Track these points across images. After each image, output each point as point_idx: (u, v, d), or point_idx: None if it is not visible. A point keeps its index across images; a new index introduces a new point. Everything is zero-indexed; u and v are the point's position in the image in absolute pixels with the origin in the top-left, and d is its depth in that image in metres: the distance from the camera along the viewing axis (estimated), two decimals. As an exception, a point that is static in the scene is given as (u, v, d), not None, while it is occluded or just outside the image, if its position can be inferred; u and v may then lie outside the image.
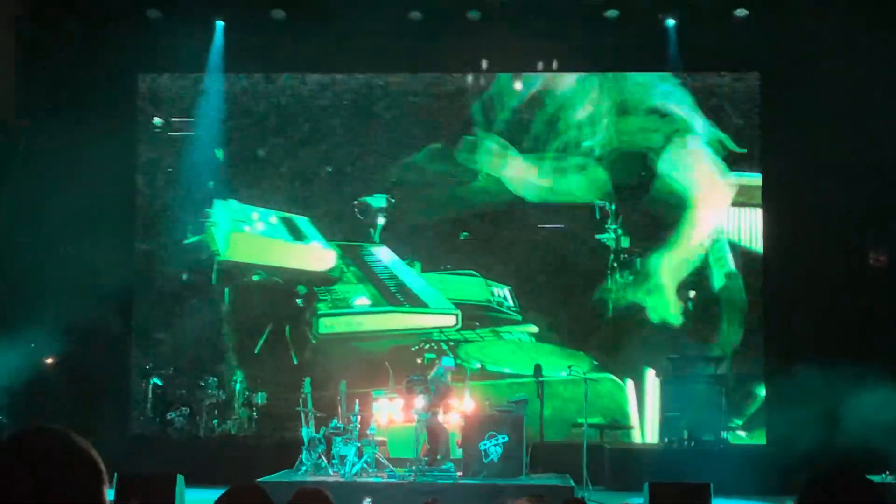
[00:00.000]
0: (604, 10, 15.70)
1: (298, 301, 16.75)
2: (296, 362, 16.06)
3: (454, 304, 16.55)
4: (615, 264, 16.61)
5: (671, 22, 15.96)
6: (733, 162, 16.52)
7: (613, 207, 16.67)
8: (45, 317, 15.05)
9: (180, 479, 11.59)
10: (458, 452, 13.65)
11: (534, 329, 16.55)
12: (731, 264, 16.43)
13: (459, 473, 13.28)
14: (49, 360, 16.03)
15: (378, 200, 16.86)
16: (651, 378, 16.19)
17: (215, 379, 15.86)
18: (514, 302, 16.68)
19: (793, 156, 15.69)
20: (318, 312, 16.75)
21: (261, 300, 16.79)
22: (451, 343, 16.31)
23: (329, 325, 16.71)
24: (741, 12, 15.63)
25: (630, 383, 16.29)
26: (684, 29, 15.93)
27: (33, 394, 14.62)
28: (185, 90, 17.16)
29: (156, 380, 15.93)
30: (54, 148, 15.54)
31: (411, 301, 16.80)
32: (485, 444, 13.26)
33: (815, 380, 13.83)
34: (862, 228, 15.76)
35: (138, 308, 16.88)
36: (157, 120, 17.04)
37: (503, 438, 13.26)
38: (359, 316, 16.79)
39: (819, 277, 15.37)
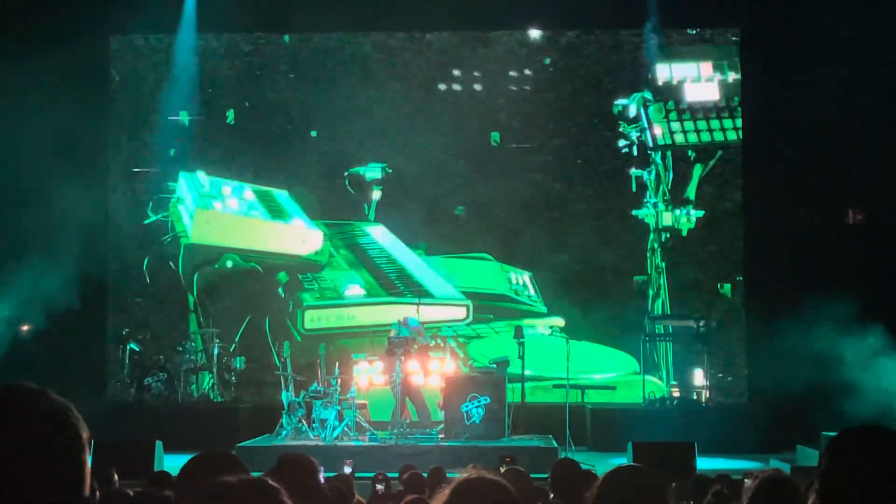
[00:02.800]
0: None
1: (280, 291, 14.95)
2: (278, 363, 14.07)
3: (464, 293, 14.53)
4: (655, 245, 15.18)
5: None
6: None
7: (652, 176, 15.18)
8: (17, 283, 14.83)
9: (159, 445, 11.48)
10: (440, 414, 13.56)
11: (560, 322, 14.71)
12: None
13: (441, 436, 13.20)
14: (23, 327, 15.82)
15: (373, 170, 15.04)
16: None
17: (193, 344, 15.67)
18: (535, 290, 14.84)
19: (773, 108, 15.62)
20: (304, 304, 14.88)
21: (236, 290, 15.00)
22: (462, 340, 14.29)
23: (316, 318, 14.72)
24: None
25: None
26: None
27: (7, 361, 14.41)
28: (157, 52, 16.82)
29: (132, 345, 15.74)
30: (23, 110, 15.24)
31: (413, 290, 14.61)
32: (467, 406, 13.17)
33: (797, 337, 13.84)
34: (841, 182, 15.72)
35: (112, 274, 16.66)
36: (114, 73, 15.98)
37: (485, 400, 13.18)
38: (351, 308, 14.78)
39: (799, 232, 15.34)
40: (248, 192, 15.02)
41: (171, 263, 16.28)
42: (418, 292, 14.43)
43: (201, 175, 14.93)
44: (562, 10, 16.13)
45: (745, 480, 8.88)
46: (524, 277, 14.75)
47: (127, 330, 16.09)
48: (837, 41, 14.94)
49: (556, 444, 13.13)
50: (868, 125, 15.12)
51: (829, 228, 15.67)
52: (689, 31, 16.40)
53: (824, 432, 13.37)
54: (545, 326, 14.78)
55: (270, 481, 1.94)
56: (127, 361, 15.70)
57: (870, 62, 14.98)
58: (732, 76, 15.74)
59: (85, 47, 15.85)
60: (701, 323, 15.59)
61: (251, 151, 15.58)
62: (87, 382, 15.69)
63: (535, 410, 14.56)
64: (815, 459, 11.71)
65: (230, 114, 15.45)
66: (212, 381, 15.62)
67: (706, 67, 15.50)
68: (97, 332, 16.41)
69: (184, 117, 15.44)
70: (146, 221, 15.28)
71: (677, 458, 10.82)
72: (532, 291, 14.72)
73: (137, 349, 15.77)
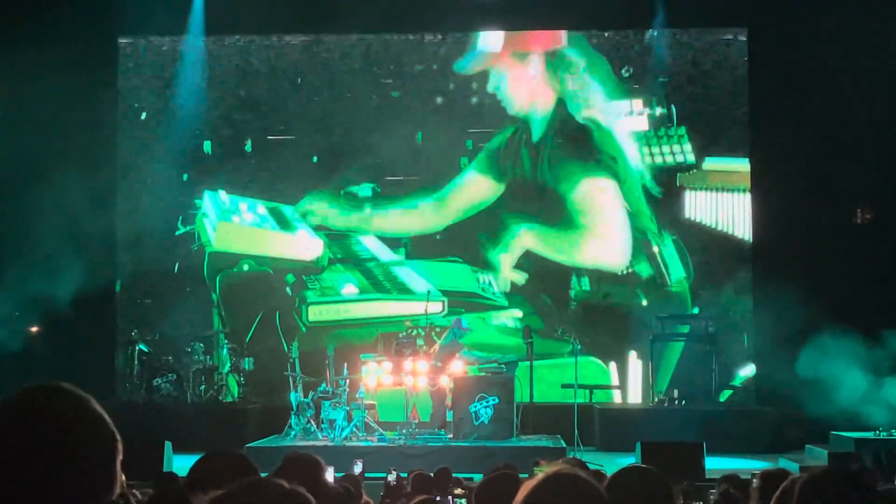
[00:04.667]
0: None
1: (287, 290, 16.76)
2: (286, 349, 15.78)
3: (440, 291, 16.34)
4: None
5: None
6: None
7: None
8: (29, 284, 14.87)
9: (168, 445, 11.50)
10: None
11: (519, 314, 16.42)
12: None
13: (450, 436, 13.21)
14: (32, 328, 15.87)
15: (364, 190, 16.84)
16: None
17: (202, 345, 15.70)
18: (498, 287, 16.62)
19: (780, 107, 15.63)
20: (307, 300, 16.73)
21: (251, 289, 16.80)
22: (438, 329, 15.63)
23: (317, 312, 16.69)
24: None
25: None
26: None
27: (16, 361, 14.45)
28: (165, 55, 17.02)
29: (142, 346, 15.77)
30: (35, 115, 15.30)
31: (398, 289, 16.75)
32: (475, 407, 13.18)
33: (805, 336, 13.83)
34: (852, 185, 15.69)
35: (123, 275, 16.75)
36: (143, 115, 17.06)
37: (494, 400, 13.18)
38: (346, 303, 16.76)
39: (808, 231, 15.33)
40: (261, 208, 17.13)
41: (176, 266, 16.86)
42: (402, 289, 16.72)
43: (222, 193, 17.03)
44: (570, 11, 16.18)
45: (754, 480, 8.89)
46: (490, 277, 16.66)
47: (136, 331, 16.14)
48: (845, 39, 14.92)
49: (564, 444, 13.14)
50: (877, 124, 15.08)
51: (838, 227, 15.63)
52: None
53: (833, 432, 13.38)
54: (507, 318, 16.60)
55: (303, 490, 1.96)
56: (136, 362, 15.73)
57: (879, 59, 14.95)
58: (659, 111, 16.49)
59: (93, 48, 15.92)
60: (709, 322, 15.59)
61: (260, 172, 17.07)
62: (96, 383, 15.68)
63: (543, 410, 14.57)
64: (825, 459, 11.71)
65: (248, 144, 17.15)
66: (221, 381, 15.65)
67: (637, 103, 16.56)
68: (106, 333, 16.46)
69: (207, 147, 17.10)
70: (177, 233, 16.95)
71: (686, 459, 10.82)
72: (496, 289, 16.62)
73: (146, 350, 15.81)
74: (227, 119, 17.10)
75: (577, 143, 16.49)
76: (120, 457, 1.90)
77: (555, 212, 16.51)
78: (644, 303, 16.27)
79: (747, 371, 15.96)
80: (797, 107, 15.33)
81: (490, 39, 16.81)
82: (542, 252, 16.56)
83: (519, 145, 16.67)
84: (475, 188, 16.78)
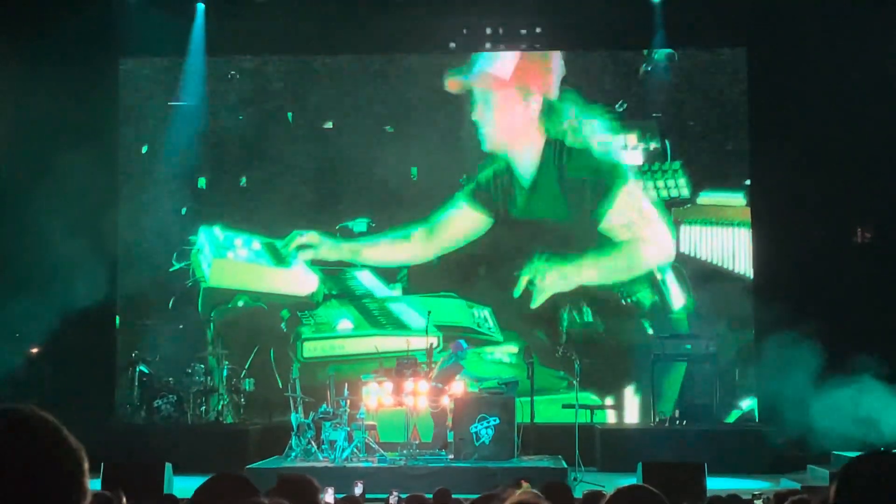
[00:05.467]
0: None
1: (282, 325, 16.67)
2: (280, 385, 15.70)
3: (436, 326, 15.78)
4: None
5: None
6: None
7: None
8: (29, 305, 14.88)
9: (168, 467, 11.47)
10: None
11: (514, 350, 16.23)
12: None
13: (451, 456, 13.18)
14: (34, 349, 15.87)
15: (359, 225, 16.82)
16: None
17: (202, 366, 15.70)
18: (493, 322, 16.53)
19: (779, 127, 15.68)
20: (302, 336, 16.62)
21: (246, 325, 16.66)
22: (434, 363, 15.30)
23: (312, 348, 16.55)
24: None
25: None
26: (670, 4, 15.84)
27: (18, 382, 14.44)
28: (166, 76, 17.08)
29: (142, 367, 15.76)
30: (34, 137, 15.35)
31: (393, 324, 16.62)
32: (476, 427, 13.16)
33: (807, 358, 13.82)
34: (850, 208, 15.71)
35: (123, 296, 16.76)
36: (144, 147, 17.10)
37: (494, 420, 13.16)
38: (341, 339, 16.63)
39: (807, 250, 15.34)
40: (256, 243, 17.02)
41: (171, 302, 16.81)
42: (397, 324, 16.57)
43: (217, 230, 16.97)
44: (568, 32, 16.26)
45: (755, 501, 8.87)
46: (485, 312, 16.57)
47: (136, 352, 16.13)
48: (844, 58, 14.97)
49: (565, 465, 13.10)
50: (877, 143, 15.12)
51: (837, 247, 15.63)
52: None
53: (835, 452, 13.35)
54: (502, 353, 16.47)
55: None
56: (136, 384, 15.72)
57: (878, 79, 14.99)
58: (653, 145, 16.53)
59: (95, 71, 15.97)
60: (711, 343, 15.57)
61: (261, 207, 17.01)
62: (96, 404, 15.73)
63: (544, 430, 14.54)
64: (827, 479, 11.68)
65: (243, 179, 17.13)
66: (221, 403, 15.63)
67: (631, 138, 16.59)
68: (107, 355, 16.44)
69: (201, 182, 17.12)
70: (171, 269, 16.88)
71: (687, 479, 10.77)
72: (491, 324, 16.55)
73: (147, 371, 15.79)
74: (222, 154, 17.11)
75: (584, 168, 16.46)
76: (86, 476, 1.91)
77: (573, 240, 16.47)
78: (650, 331, 16.22)
79: (747, 404, 15.88)
80: (796, 139, 15.32)
81: (501, 63, 16.75)
82: (592, 281, 16.43)
83: (509, 185, 16.60)
84: (464, 221, 16.73)
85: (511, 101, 16.73)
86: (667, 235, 16.40)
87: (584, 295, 16.40)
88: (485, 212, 16.69)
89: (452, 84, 16.66)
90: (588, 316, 16.42)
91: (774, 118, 15.82)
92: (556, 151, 16.50)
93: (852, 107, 14.90)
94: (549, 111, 16.57)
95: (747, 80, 16.40)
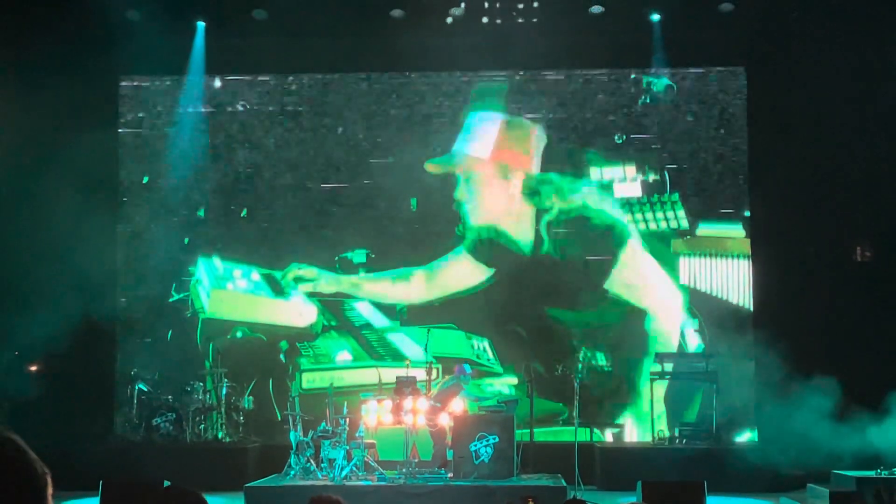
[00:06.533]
0: (588, 6, 15.64)
1: (281, 356, 16.70)
2: (279, 417, 15.83)
3: (434, 357, 15.82)
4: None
5: (656, 17, 15.90)
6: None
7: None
8: (28, 323, 14.88)
9: (167, 485, 11.43)
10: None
11: (514, 381, 16.20)
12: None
13: (450, 475, 13.16)
14: (33, 367, 15.85)
15: (359, 256, 16.84)
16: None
17: (201, 384, 15.68)
18: (493, 354, 16.53)
19: (779, 145, 15.72)
20: (301, 368, 16.65)
21: (244, 356, 16.60)
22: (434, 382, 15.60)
23: (311, 379, 16.54)
24: (726, 7, 15.57)
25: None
26: (669, 25, 15.88)
27: (16, 400, 14.42)
28: (166, 95, 17.12)
29: (141, 385, 15.74)
30: (34, 152, 15.38)
31: (392, 355, 16.60)
32: (475, 445, 13.14)
33: (807, 376, 13.83)
34: (848, 222, 15.74)
35: (120, 316, 16.77)
36: (145, 178, 17.16)
37: (493, 439, 13.14)
38: (340, 371, 16.59)
39: (807, 268, 15.36)
40: (255, 274, 17.07)
41: (169, 334, 16.83)
42: (396, 355, 16.46)
43: (216, 260, 17.04)
44: (568, 53, 16.32)
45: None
46: (484, 343, 16.60)
47: (135, 370, 16.12)
48: (842, 77, 15.04)
49: (564, 483, 13.07)
50: (876, 160, 15.16)
51: (837, 265, 15.65)
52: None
53: (835, 471, 13.33)
54: (501, 385, 16.40)
55: None
56: (135, 401, 15.70)
57: (876, 97, 15.05)
58: (652, 177, 16.60)
59: (95, 89, 16.00)
60: (710, 360, 15.56)
61: (257, 236, 17.10)
62: (95, 422, 15.71)
63: (544, 449, 14.53)
64: (827, 498, 11.66)
65: (244, 211, 17.15)
66: (220, 421, 15.60)
67: (630, 170, 16.66)
68: (105, 372, 16.43)
69: (200, 213, 17.15)
70: (170, 300, 16.92)
71: (687, 498, 10.76)
72: (490, 355, 16.57)
73: (146, 389, 15.77)
74: (222, 185, 17.13)
75: (582, 237, 16.54)
76: (49, 493, 1.95)
77: (580, 302, 16.50)
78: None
79: (747, 424, 15.84)
80: (795, 168, 15.38)
81: (480, 143, 16.81)
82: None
83: (507, 250, 16.64)
84: (464, 270, 16.75)
85: (492, 179, 16.78)
86: (675, 297, 16.40)
87: (599, 337, 16.47)
88: (485, 265, 16.70)
89: (433, 168, 16.72)
90: (601, 359, 16.41)
91: (774, 148, 15.86)
92: (548, 222, 16.56)
93: (853, 134, 14.94)
94: (533, 185, 16.63)
95: (746, 107, 16.46)
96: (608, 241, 16.50)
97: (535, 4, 15.67)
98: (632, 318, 16.35)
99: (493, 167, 16.78)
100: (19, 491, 1.87)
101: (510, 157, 16.80)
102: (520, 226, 16.65)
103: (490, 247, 16.71)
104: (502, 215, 16.71)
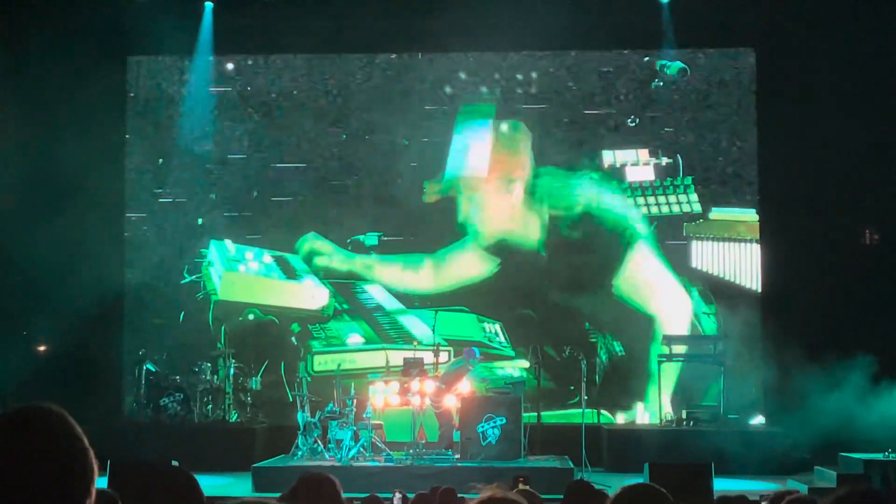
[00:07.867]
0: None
1: (293, 339, 16.66)
2: (291, 399, 15.68)
3: (446, 340, 16.02)
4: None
5: (665, -2, 15.87)
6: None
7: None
8: (36, 303, 14.91)
9: (175, 465, 11.47)
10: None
11: (525, 364, 16.10)
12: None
13: (457, 456, 13.18)
14: (41, 347, 15.89)
15: (370, 238, 16.78)
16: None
17: (209, 364, 15.71)
18: (505, 337, 16.47)
19: (788, 129, 15.66)
20: (313, 350, 16.61)
21: (256, 338, 16.60)
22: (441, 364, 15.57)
23: (323, 362, 16.50)
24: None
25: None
26: (678, 6, 15.82)
27: (25, 380, 14.46)
28: (175, 75, 17.09)
29: (149, 365, 15.78)
30: (42, 138, 15.38)
31: (403, 338, 16.52)
32: (483, 427, 13.16)
33: (814, 358, 13.80)
34: (856, 210, 15.68)
35: (129, 296, 16.80)
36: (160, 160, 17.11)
37: (501, 420, 13.16)
38: (352, 353, 16.51)
39: (816, 252, 15.31)
40: (267, 257, 17.03)
41: (181, 316, 16.80)
42: (408, 338, 16.41)
43: (228, 243, 16.99)
44: (579, 34, 16.23)
45: (762, 502, 8.84)
46: (496, 327, 16.50)
47: (143, 350, 16.15)
48: (853, 57, 14.96)
49: (571, 465, 13.10)
50: (887, 143, 15.09)
51: (845, 248, 15.61)
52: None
53: (842, 453, 13.32)
54: (513, 368, 16.31)
55: None
56: (143, 382, 15.73)
57: (888, 77, 14.97)
58: (665, 160, 16.52)
59: (103, 68, 15.98)
60: (718, 343, 15.54)
61: (268, 220, 17.03)
62: (103, 403, 15.75)
63: (551, 431, 14.54)
64: (834, 481, 11.66)
65: (255, 193, 17.07)
66: (228, 401, 15.64)
67: (643, 153, 16.58)
68: (114, 353, 16.46)
69: (212, 196, 17.02)
70: (182, 282, 16.89)
71: (694, 480, 10.74)
72: (502, 338, 16.47)
73: (154, 370, 15.81)
74: (231, 167, 17.06)
75: (591, 233, 16.47)
76: (94, 480, 1.97)
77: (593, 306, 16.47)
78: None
79: (758, 420, 15.80)
80: (806, 151, 15.31)
81: (475, 162, 16.74)
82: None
83: (517, 250, 16.59)
84: (473, 261, 16.68)
85: (494, 194, 16.71)
86: (683, 301, 16.35)
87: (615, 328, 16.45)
88: (493, 259, 16.65)
89: (431, 198, 16.68)
90: (618, 346, 16.39)
91: (784, 131, 15.78)
92: (557, 224, 16.51)
93: (864, 116, 14.85)
94: (535, 186, 16.57)
95: (757, 92, 16.38)
96: (616, 241, 16.43)
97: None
98: (640, 317, 16.33)
99: (494, 182, 16.72)
100: (65, 470, 1.91)
101: (508, 167, 16.74)
102: (528, 229, 16.56)
103: (498, 247, 16.66)
104: (509, 223, 16.63)
